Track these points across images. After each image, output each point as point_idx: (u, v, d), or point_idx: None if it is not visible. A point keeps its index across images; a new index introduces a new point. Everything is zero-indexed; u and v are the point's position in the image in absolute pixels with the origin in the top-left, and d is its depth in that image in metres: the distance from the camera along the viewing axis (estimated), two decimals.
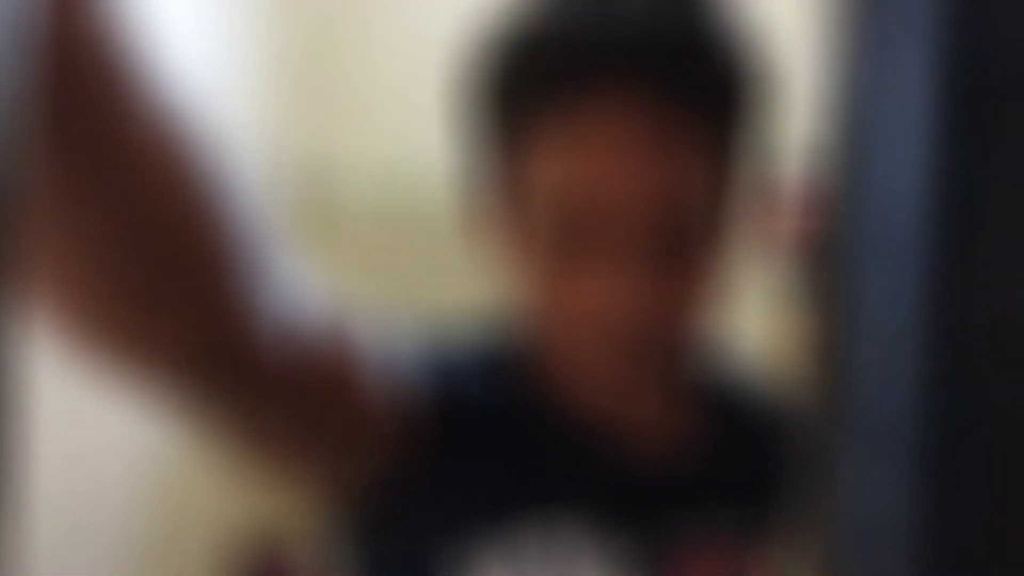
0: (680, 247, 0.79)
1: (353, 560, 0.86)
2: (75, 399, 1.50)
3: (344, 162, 2.43)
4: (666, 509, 0.84)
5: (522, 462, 0.84)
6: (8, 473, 0.28)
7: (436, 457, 0.82)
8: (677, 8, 0.81)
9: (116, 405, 0.74)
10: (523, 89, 0.81)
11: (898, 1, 0.27)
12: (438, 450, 0.82)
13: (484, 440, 0.84)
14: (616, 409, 0.87)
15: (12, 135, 0.28)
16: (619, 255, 0.79)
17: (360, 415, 0.77)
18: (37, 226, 0.55)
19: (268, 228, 0.66)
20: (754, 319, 1.37)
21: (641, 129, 0.78)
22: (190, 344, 0.64)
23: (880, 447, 0.28)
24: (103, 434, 1.96)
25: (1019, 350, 0.27)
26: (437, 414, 0.82)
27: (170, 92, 0.58)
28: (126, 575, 2.09)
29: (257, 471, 0.79)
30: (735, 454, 0.89)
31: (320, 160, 2.42)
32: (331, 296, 0.75)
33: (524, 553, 0.81)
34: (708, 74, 0.80)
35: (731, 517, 0.85)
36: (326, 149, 2.44)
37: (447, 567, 0.81)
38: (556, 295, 0.81)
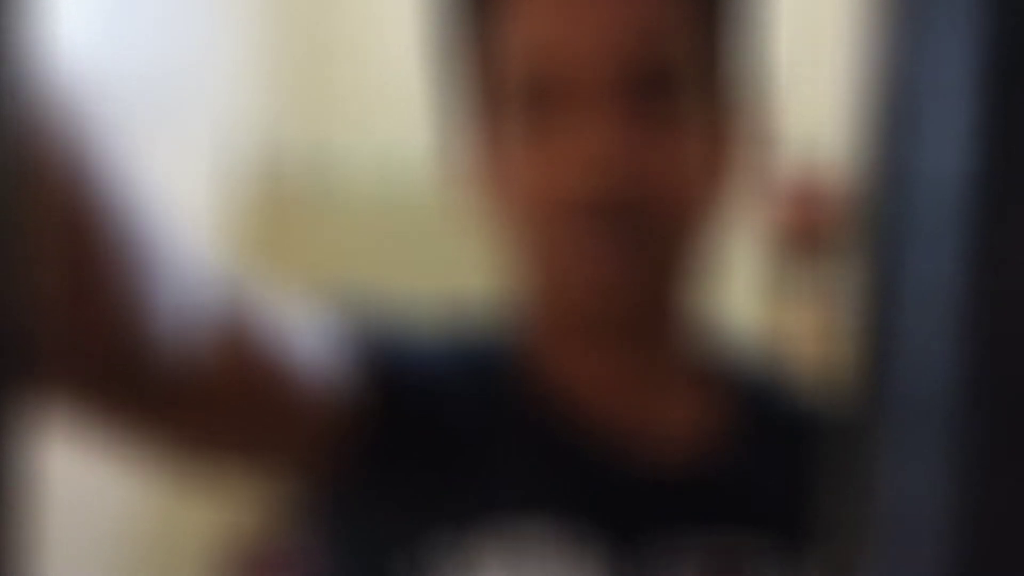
0: (664, 92, 0.76)
1: (329, 548, 0.81)
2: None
3: (341, 152, 2.42)
4: (662, 520, 0.76)
5: (500, 458, 0.78)
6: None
7: (394, 454, 0.76)
8: None
9: None
10: None
11: None
12: (396, 446, 0.76)
13: (446, 437, 0.78)
14: (612, 399, 0.80)
15: None
16: (596, 103, 0.75)
17: (286, 409, 0.72)
18: None
19: (159, 226, 0.62)
20: (751, 308, 1.36)
21: None
22: (85, 360, 0.61)
23: (919, 440, 0.27)
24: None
25: None
26: (392, 404, 0.76)
27: (42, 90, 0.54)
28: (125, 571, 2.09)
29: (200, 477, 0.76)
30: (756, 456, 0.80)
31: (317, 149, 2.42)
32: (238, 292, 0.71)
33: (512, 554, 0.75)
34: None
35: (748, 538, 0.76)
36: (322, 139, 2.44)
37: (410, 568, 0.75)
38: (534, 162, 0.77)
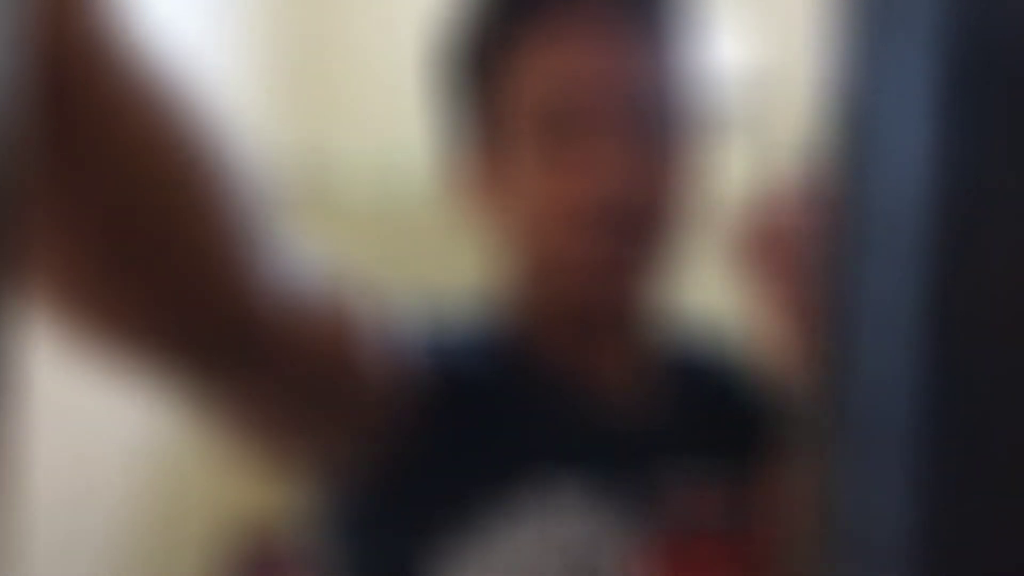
0: (659, 128, 0.90)
1: (346, 545, 0.88)
2: (68, 390, 1.50)
3: (340, 153, 2.43)
4: (649, 461, 0.89)
5: (514, 435, 0.89)
6: (5, 465, 0.28)
7: (433, 434, 0.85)
8: None
9: (111, 396, 0.73)
10: (497, 21, 0.92)
11: (899, 5, 0.27)
12: (435, 427, 0.85)
13: (478, 416, 0.89)
14: (591, 368, 0.93)
15: (10, 124, 0.28)
16: (607, 131, 0.88)
17: (358, 389, 0.79)
18: (34, 212, 0.55)
19: (265, 203, 0.67)
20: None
21: (606, 21, 0.90)
22: (190, 320, 0.65)
23: (874, 446, 0.28)
24: (98, 424, 1.96)
25: (1013, 349, 0.27)
26: (435, 391, 0.86)
27: (163, 72, 0.58)
28: (122, 565, 2.09)
29: (253, 450, 0.79)
30: (695, 409, 0.96)
31: (316, 151, 2.43)
32: (329, 272, 0.76)
33: (521, 525, 0.86)
34: None
35: (709, 465, 0.90)
36: (322, 140, 2.44)
37: (441, 546, 0.85)
38: (549, 192, 0.89)
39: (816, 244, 0.30)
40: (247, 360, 0.69)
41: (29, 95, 0.31)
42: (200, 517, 2.24)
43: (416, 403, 0.84)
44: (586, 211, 0.88)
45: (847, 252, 0.28)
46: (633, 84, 0.89)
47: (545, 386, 0.92)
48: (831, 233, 0.29)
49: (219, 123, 0.62)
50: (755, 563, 0.84)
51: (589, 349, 0.93)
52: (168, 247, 0.61)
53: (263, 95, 2.39)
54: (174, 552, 2.18)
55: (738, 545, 0.86)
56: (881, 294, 0.28)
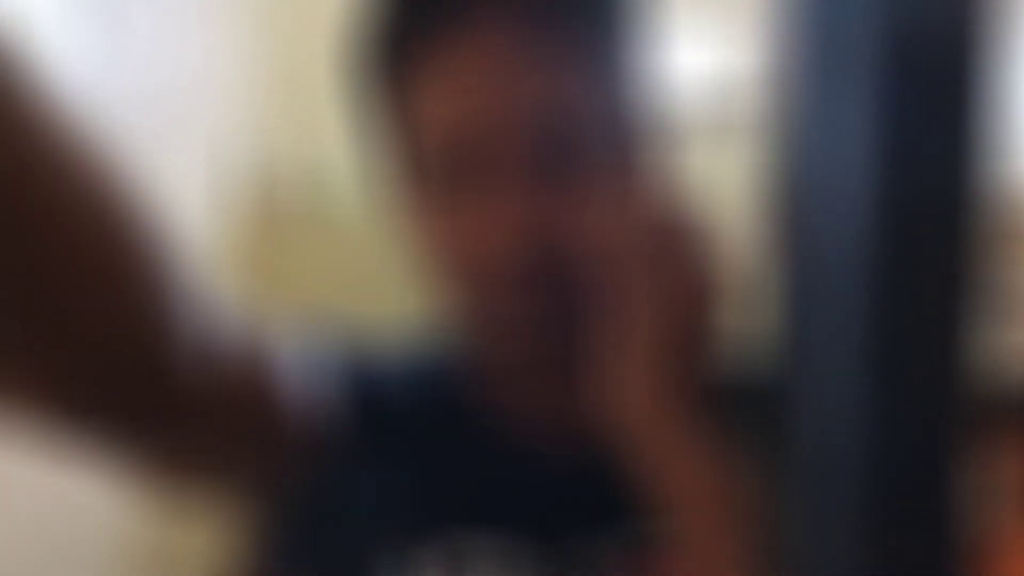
0: (572, 156, 0.79)
1: (292, 563, 0.85)
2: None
3: (335, 168, 2.43)
4: (589, 520, 0.80)
5: (447, 473, 0.83)
6: None
7: (358, 466, 0.81)
8: None
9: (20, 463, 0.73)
10: (398, 44, 0.82)
11: (842, 58, 0.28)
12: (360, 459, 0.81)
13: (400, 450, 0.83)
14: (541, 409, 0.84)
15: None
16: (510, 174, 0.78)
17: (277, 429, 0.76)
18: None
19: (182, 250, 0.64)
20: None
21: (507, 47, 0.79)
22: (104, 380, 0.62)
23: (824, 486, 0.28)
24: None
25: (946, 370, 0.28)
26: (356, 424, 0.82)
27: (70, 124, 0.56)
28: None
29: (172, 494, 0.78)
30: None
31: (312, 166, 2.43)
32: (246, 313, 0.74)
33: (456, 565, 0.79)
34: None
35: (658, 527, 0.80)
36: (317, 155, 2.44)
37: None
38: (455, 234, 0.80)
39: (762, 283, 0.31)
40: (163, 417, 0.66)
41: None
42: (189, 545, 2.24)
43: (337, 436, 0.80)
44: (496, 268, 0.78)
45: (793, 292, 0.29)
46: (551, 113, 0.78)
47: (478, 423, 0.84)
48: (778, 247, 0.30)
49: (131, 174, 0.60)
50: None
51: (530, 390, 0.83)
52: (79, 307, 0.59)
53: (260, 110, 2.40)
54: None
55: None
56: (827, 317, 0.28)
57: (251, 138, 2.36)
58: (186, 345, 0.65)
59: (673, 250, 0.72)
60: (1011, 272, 0.30)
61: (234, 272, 2.27)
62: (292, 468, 0.79)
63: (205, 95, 2.27)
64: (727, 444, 0.69)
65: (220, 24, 2.33)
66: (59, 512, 1.86)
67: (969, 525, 0.28)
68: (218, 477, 0.78)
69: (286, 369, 0.77)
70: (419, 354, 0.88)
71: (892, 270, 0.27)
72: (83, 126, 0.57)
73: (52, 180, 0.55)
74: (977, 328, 0.27)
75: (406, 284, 0.89)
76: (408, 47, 0.81)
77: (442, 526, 0.79)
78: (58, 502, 1.85)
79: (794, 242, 0.29)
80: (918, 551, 0.27)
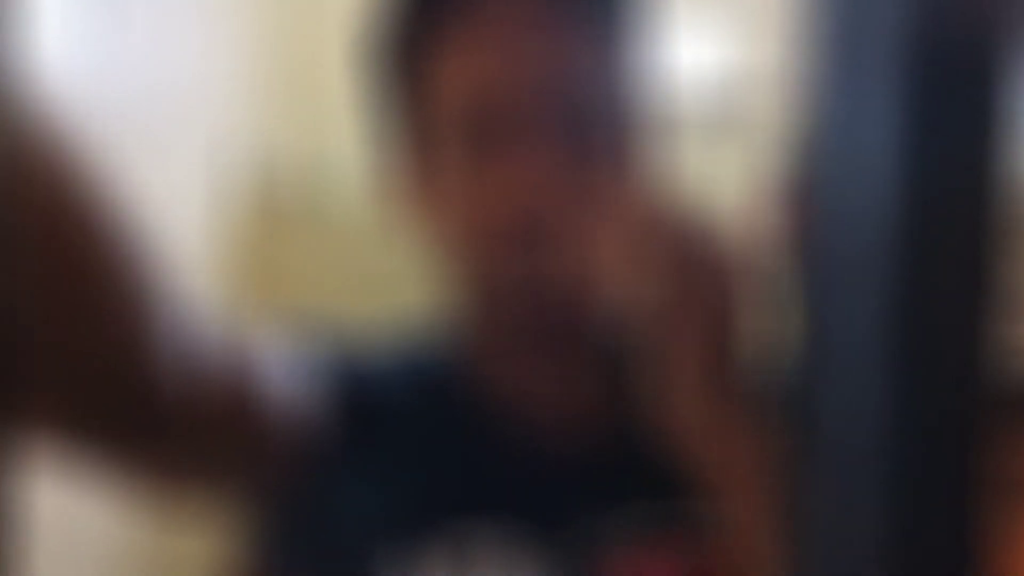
0: (587, 124, 0.81)
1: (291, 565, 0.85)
2: None
3: (334, 166, 2.43)
4: (597, 507, 0.81)
5: (446, 468, 0.83)
6: None
7: (353, 466, 0.81)
8: None
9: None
10: (420, 19, 0.84)
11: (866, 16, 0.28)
12: (354, 459, 0.81)
13: (392, 447, 0.83)
14: (539, 396, 0.84)
15: None
16: (531, 137, 0.80)
17: (265, 436, 0.76)
18: None
19: (168, 260, 0.63)
20: None
21: (526, 18, 0.82)
22: (89, 397, 0.62)
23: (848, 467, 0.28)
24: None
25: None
26: (345, 422, 0.82)
27: (51, 139, 0.56)
28: None
29: (166, 502, 0.78)
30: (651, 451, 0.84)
31: (310, 164, 2.43)
32: (234, 316, 0.74)
33: (460, 559, 0.79)
34: None
35: (665, 510, 0.81)
36: (316, 153, 2.45)
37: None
38: (476, 195, 0.81)
39: (784, 251, 0.31)
40: (151, 427, 0.66)
41: None
42: (185, 553, 2.24)
43: (329, 436, 0.80)
44: (509, 227, 0.80)
45: (816, 265, 0.29)
46: (565, 85, 0.81)
47: (475, 418, 0.84)
48: (800, 240, 0.30)
49: (118, 186, 0.59)
50: None
51: (530, 377, 0.84)
52: (62, 323, 0.58)
53: (258, 108, 2.40)
54: None
55: None
56: (848, 314, 0.28)
57: (250, 136, 2.37)
58: (172, 355, 0.65)
59: (694, 254, 0.72)
60: (1015, 267, 0.30)
61: (231, 270, 2.27)
62: (285, 472, 0.79)
63: (204, 93, 2.28)
64: (766, 435, 0.71)
65: (219, 22, 2.33)
66: (58, 521, 1.86)
67: (988, 519, 0.28)
68: (211, 484, 0.78)
69: (275, 373, 0.77)
70: (413, 350, 0.88)
71: (914, 268, 0.27)
72: (71, 140, 0.57)
73: (41, 197, 0.55)
74: (996, 325, 0.27)
75: (403, 281, 0.88)
76: (429, 18, 0.83)
77: (443, 521, 0.79)
78: (56, 512, 1.85)
79: (815, 239, 0.29)
80: (938, 545, 0.27)
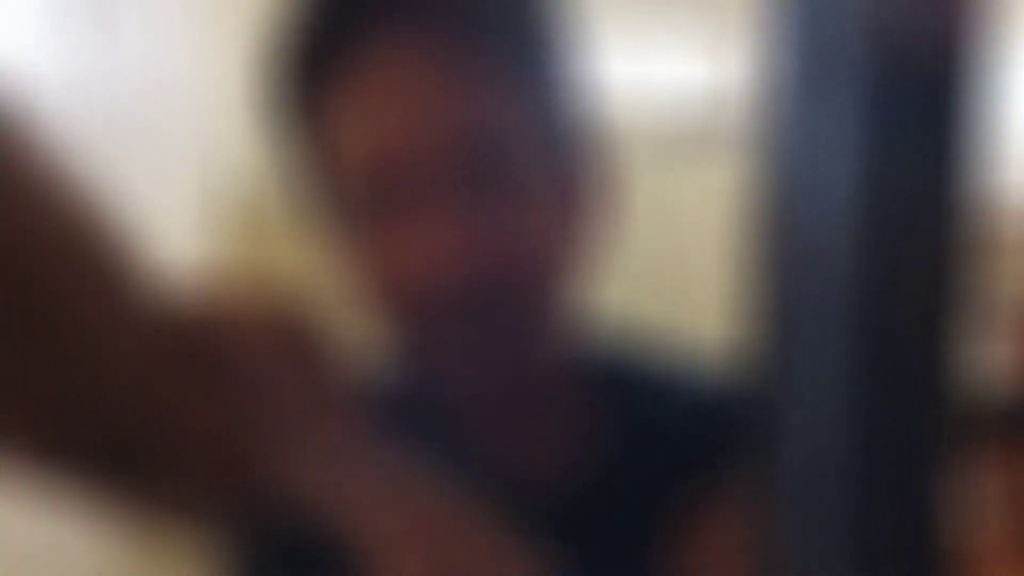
0: (501, 173, 0.76)
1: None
2: None
3: None
4: (566, 530, 0.77)
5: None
6: None
7: None
8: None
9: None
10: (310, 69, 0.79)
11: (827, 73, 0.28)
12: None
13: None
14: (508, 431, 0.82)
15: None
16: (436, 198, 0.75)
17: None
18: None
19: (148, 268, 0.61)
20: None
21: (424, 66, 0.76)
22: (63, 408, 0.60)
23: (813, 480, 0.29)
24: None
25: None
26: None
27: (10, 127, 0.54)
28: None
29: (150, 528, 0.76)
30: (637, 447, 0.82)
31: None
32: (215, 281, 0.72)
33: None
34: (476, 10, 0.79)
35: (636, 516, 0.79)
36: None
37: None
38: (381, 262, 0.77)
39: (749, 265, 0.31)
40: (131, 453, 0.65)
41: None
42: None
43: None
44: (427, 295, 0.76)
45: (779, 276, 0.30)
46: (468, 137, 0.75)
47: (463, 454, 0.80)
48: (763, 253, 0.30)
49: (97, 195, 0.58)
50: None
51: (494, 408, 0.81)
52: (36, 342, 0.57)
53: (247, 113, 2.39)
54: None
55: None
56: (811, 329, 0.29)
57: (238, 143, 2.36)
58: (144, 362, 0.63)
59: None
60: (993, 285, 0.30)
61: (218, 276, 2.27)
62: (265, 500, 0.77)
63: (192, 98, 2.27)
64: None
65: (208, 27, 2.33)
66: (44, 548, 1.85)
67: (954, 536, 0.28)
68: (194, 511, 0.76)
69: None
70: (388, 374, 0.86)
71: (876, 283, 0.27)
72: (53, 147, 0.56)
73: (20, 211, 0.54)
74: (961, 341, 0.28)
75: None
76: (321, 64, 0.78)
77: None
78: (42, 539, 1.84)
79: (778, 255, 0.30)
80: (903, 562, 0.28)
